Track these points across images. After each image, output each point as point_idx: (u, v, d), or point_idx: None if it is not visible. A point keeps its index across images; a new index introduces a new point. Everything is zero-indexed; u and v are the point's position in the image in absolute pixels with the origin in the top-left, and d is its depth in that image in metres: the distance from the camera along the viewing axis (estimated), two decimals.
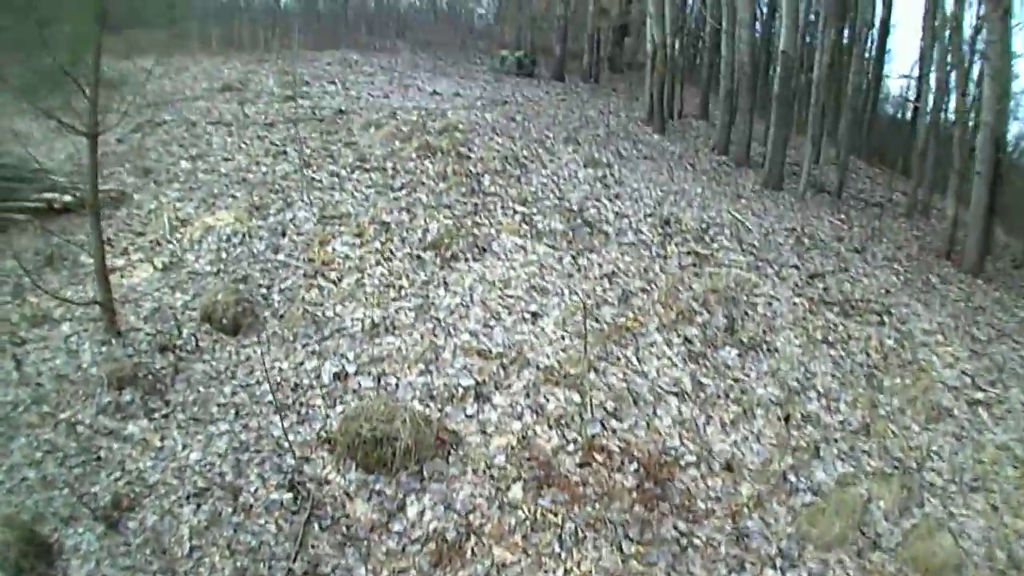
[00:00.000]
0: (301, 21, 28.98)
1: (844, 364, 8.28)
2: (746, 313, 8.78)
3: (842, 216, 13.85)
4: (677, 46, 18.51)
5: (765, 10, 22.21)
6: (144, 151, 13.19)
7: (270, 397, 6.77)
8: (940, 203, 16.48)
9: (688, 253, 10.19)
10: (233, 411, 6.78)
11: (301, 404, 6.82)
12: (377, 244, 9.26)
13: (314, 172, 11.66)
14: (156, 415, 6.71)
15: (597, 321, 8.16)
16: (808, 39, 21.10)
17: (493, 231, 9.99)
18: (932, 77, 16.34)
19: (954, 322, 9.97)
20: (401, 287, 8.42)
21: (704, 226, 11.17)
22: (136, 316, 8.01)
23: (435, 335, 7.64)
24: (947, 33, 15.65)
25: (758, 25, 21.20)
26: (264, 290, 8.38)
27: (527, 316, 8.10)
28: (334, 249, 9.16)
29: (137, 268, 9.09)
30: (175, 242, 9.57)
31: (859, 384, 7.97)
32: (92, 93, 7.09)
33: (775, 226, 11.99)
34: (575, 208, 10.96)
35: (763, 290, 9.40)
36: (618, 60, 26.73)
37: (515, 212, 10.67)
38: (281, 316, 7.94)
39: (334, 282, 8.49)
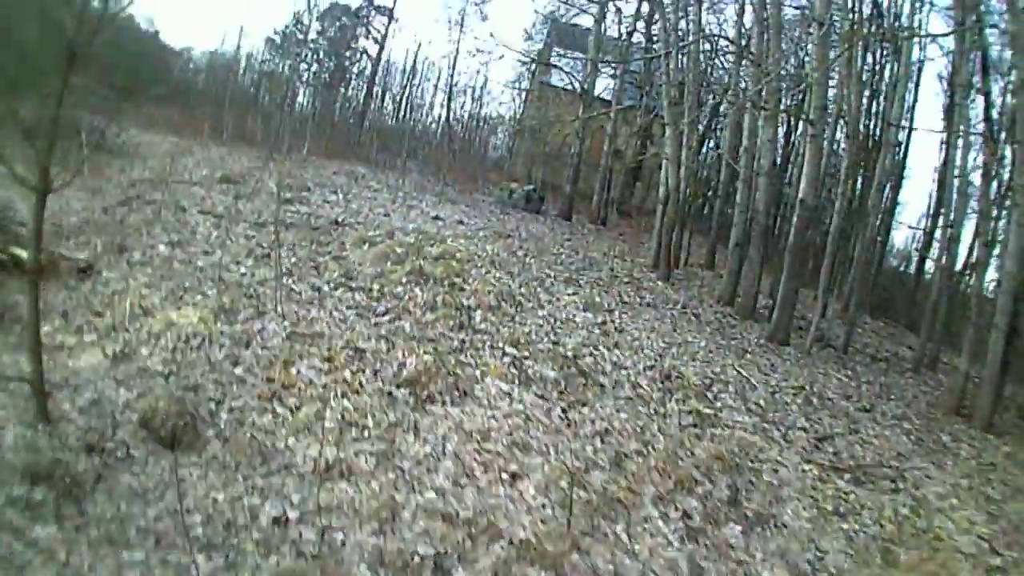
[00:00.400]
0: (315, 126, 29.29)
1: (857, 538, 7.44)
2: (751, 482, 8.00)
3: (848, 372, 13.25)
4: (689, 192, 18.30)
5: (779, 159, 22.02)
6: (126, 227, 12.69)
7: (199, 531, 5.96)
8: (946, 357, 16.08)
9: (690, 412, 9.50)
10: (153, 539, 5.86)
11: (231, 547, 5.90)
12: (347, 373, 8.51)
13: (295, 283, 11.13)
14: (68, 524, 5.78)
15: (585, 489, 7.26)
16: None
17: (478, 373, 9.31)
18: (939, 229, 16.26)
19: (968, 482, 9.22)
20: (365, 427, 7.55)
21: (707, 382, 10.62)
22: (72, 404, 7.20)
23: (396, 488, 6.74)
24: (959, 182, 15.62)
25: None
26: (213, 405, 7.54)
27: (505, 477, 7.22)
28: (299, 372, 8.40)
29: (87, 351, 8.32)
30: (132, 331, 8.81)
31: (874, 561, 7.13)
32: (45, 146, 6.47)
33: (781, 384, 11.39)
34: (570, 355, 10.35)
35: (769, 455, 8.72)
36: (627, 203, 26.88)
37: (504, 354, 10.03)
38: (226, 439, 7.06)
39: (291, 409, 7.66)
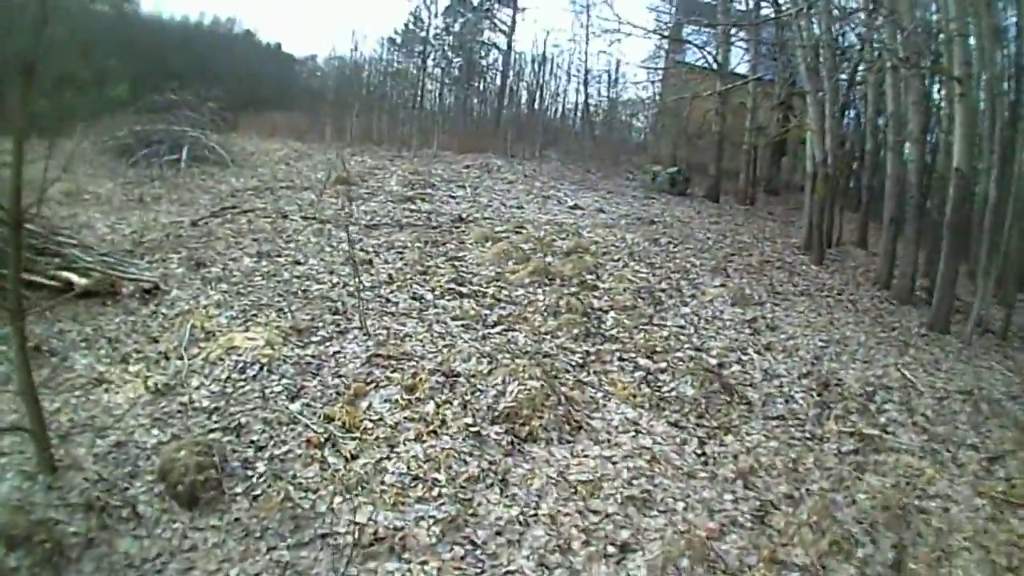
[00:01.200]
0: (447, 121, 28.43)
1: None
2: (918, 535, 5.88)
3: (1010, 363, 10.66)
4: (837, 166, 16.28)
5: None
6: (213, 239, 11.79)
7: None
8: None
9: (851, 433, 7.48)
10: None
11: None
12: (430, 406, 6.79)
13: (394, 291, 9.73)
14: None
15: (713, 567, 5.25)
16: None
17: (599, 396, 7.58)
18: None
19: None
20: (436, 482, 5.76)
21: (869, 389, 8.54)
22: (88, 450, 6.02)
23: (462, 568, 5.04)
24: None
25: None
26: (252, 451, 6.08)
27: (612, 550, 5.30)
28: (369, 406, 6.79)
29: (128, 384, 7.17)
30: (186, 359, 7.57)
31: None
32: (13, 174, 5.09)
33: (948, 386, 9.04)
34: (714, 364, 8.56)
35: (938, 487, 6.63)
36: (774, 181, 25.42)
37: (636, 367, 8.31)
38: (255, 497, 5.53)
39: (347, 458, 6.00)
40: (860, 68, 19.87)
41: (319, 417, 6.66)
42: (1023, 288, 14.90)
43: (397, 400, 6.96)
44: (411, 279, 10.29)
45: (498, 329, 8.90)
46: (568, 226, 14.41)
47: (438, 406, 6.88)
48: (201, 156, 18.21)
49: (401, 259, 11.14)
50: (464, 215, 14.64)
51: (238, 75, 29.71)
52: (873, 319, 11.73)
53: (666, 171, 22.49)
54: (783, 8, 21.25)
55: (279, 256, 11.05)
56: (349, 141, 24.10)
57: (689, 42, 25.93)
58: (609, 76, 36.39)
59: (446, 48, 35.16)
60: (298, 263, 10.75)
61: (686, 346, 9.09)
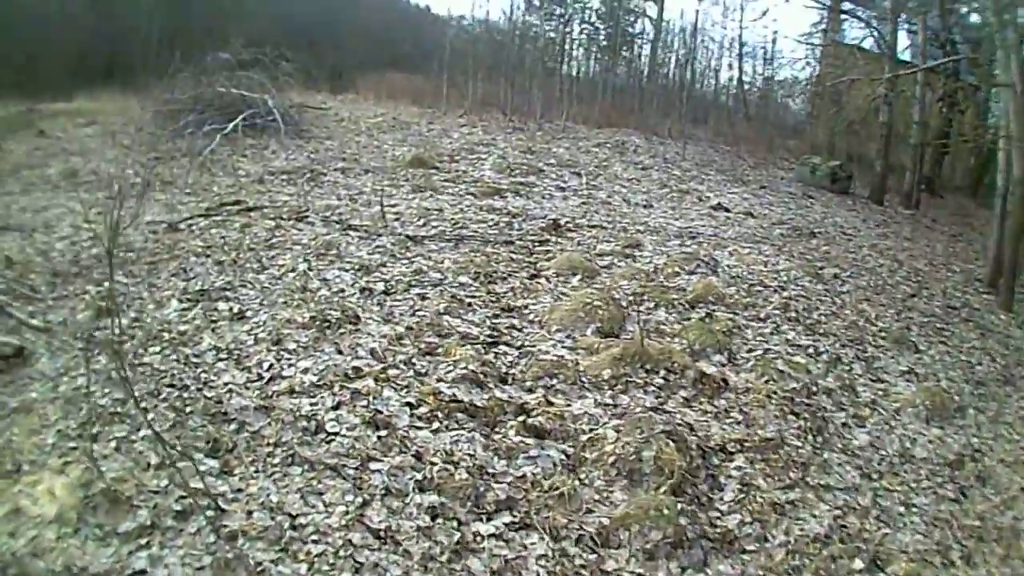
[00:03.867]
0: (582, 91, 23.67)
1: None
2: None
3: None
4: None
5: None
6: (169, 257, 7.90)
7: None
8: None
9: None
10: None
11: None
12: None
13: (346, 399, 5.18)
14: None
15: None
16: None
17: None
18: None
19: None
20: None
21: None
22: None
23: None
24: None
25: None
26: None
27: None
28: None
29: None
30: None
31: None
32: None
33: None
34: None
35: None
36: (936, 182, 20.99)
37: None
38: None
39: None
40: None
41: None
42: None
43: None
44: (396, 367, 5.68)
45: (495, 525, 4.26)
46: (703, 247, 9.63)
47: None
48: (264, 125, 14.25)
49: (412, 314, 6.63)
50: (563, 220, 10.05)
51: (369, 33, 25.89)
52: None
53: (827, 164, 18.14)
54: None
55: (222, 300, 6.77)
56: (468, 109, 19.62)
57: (858, 16, 22.12)
58: (764, 52, 30.71)
59: (591, 13, 30.50)
60: (242, 316, 6.46)
61: (854, 539, 4.62)
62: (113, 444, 4.68)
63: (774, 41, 36.58)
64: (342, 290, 7.00)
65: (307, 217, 9.26)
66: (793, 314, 7.84)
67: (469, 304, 7.01)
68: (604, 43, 30.27)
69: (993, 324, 9.86)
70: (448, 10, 29.60)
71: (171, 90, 14.63)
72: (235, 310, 6.53)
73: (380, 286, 7.17)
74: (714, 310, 7.44)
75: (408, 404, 5.15)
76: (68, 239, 8.48)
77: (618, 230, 9.98)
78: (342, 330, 6.11)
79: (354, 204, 10.14)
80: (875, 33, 20.12)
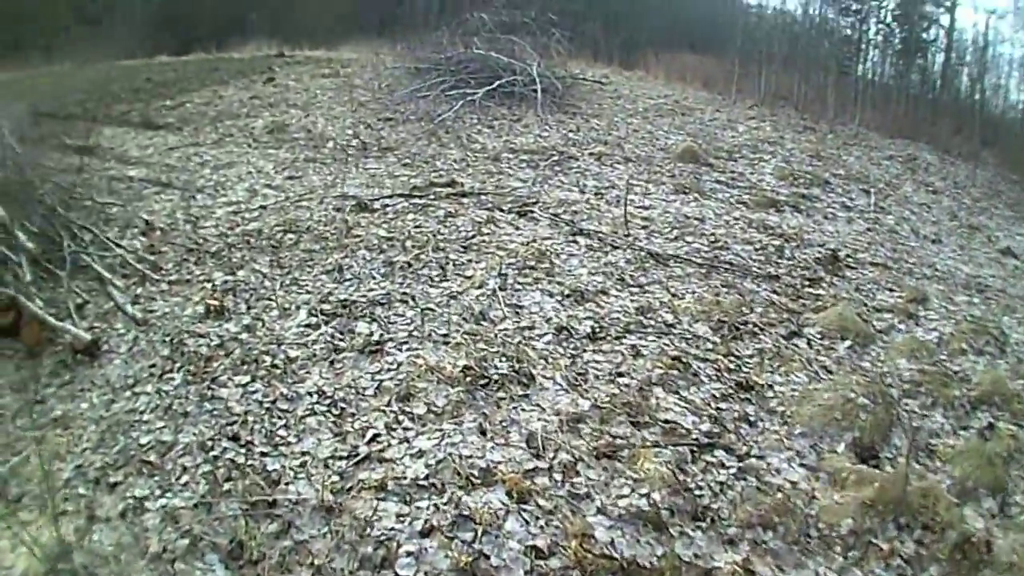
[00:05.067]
0: (878, 95, 20.17)
1: None
2: None
3: None
4: None
5: None
6: (325, 250, 6.34)
7: None
8: None
9: None
10: None
11: None
12: None
13: None
14: None
15: None
16: None
17: None
18: None
19: None
20: None
21: None
22: None
23: None
24: None
25: None
26: None
27: None
28: None
29: None
30: None
31: None
32: None
33: None
34: None
35: None
36: None
37: None
38: None
39: None
40: None
41: None
42: None
43: None
44: (547, 474, 3.78)
45: None
46: (991, 308, 7.10)
47: None
48: (524, 95, 12.57)
49: (612, 380, 4.63)
50: (843, 251, 7.61)
51: (669, 10, 23.78)
52: None
53: None
54: None
55: (364, 319, 5.10)
56: (759, 100, 16.92)
57: None
58: None
59: (887, 13, 26.51)
60: (378, 348, 4.76)
61: None
62: (120, 506, 3.36)
63: None
64: (532, 326, 5.13)
65: (532, 212, 7.45)
66: None
67: (695, 373, 4.86)
68: (899, 46, 26.58)
69: None
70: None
71: (420, 47, 13.34)
72: (374, 338, 4.86)
73: (586, 326, 5.22)
74: (998, 417, 5.01)
75: (534, 550, 3.18)
76: (236, 206, 7.32)
77: (903, 272, 7.55)
78: (502, 394, 4.28)
79: (597, 201, 8.19)
80: None
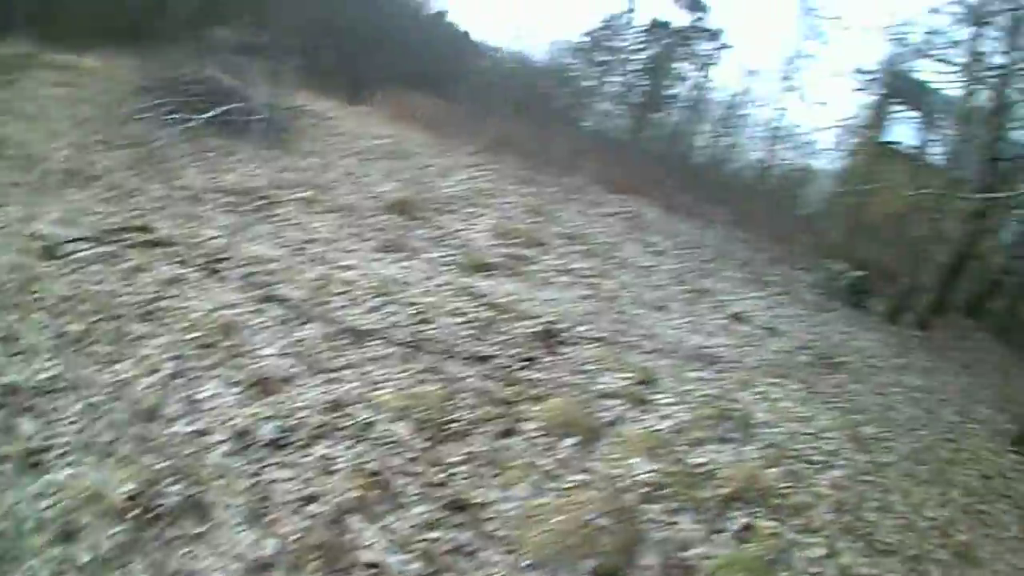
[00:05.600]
0: (605, 147, 21.73)
1: None
2: None
3: None
4: None
5: None
6: None
7: None
8: None
9: None
10: None
11: None
12: None
13: None
14: None
15: None
16: None
17: None
18: None
19: None
20: None
21: None
22: None
23: None
24: None
25: None
26: None
27: None
28: None
29: None
30: None
31: None
32: None
33: None
34: None
35: None
36: (947, 301, 18.11)
37: None
38: None
39: None
40: None
41: None
42: None
43: None
44: None
45: None
46: (726, 383, 7.44)
47: None
48: (242, 125, 11.89)
49: (297, 511, 4.15)
50: (559, 326, 7.65)
51: (407, 48, 23.68)
52: None
53: (850, 273, 16.13)
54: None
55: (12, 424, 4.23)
56: (481, 146, 17.16)
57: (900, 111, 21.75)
58: (796, 137, 29.23)
59: (632, 68, 29.38)
60: None
61: None
62: None
63: (814, 131, 34.57)
64: (208, 430, 4.49)
65: (222, 271, 6.80)
66: (848, 518, 5.63)
67: (399, 493, 4.43)
68: (640, 99, 28.76)
69: None
70: (485, 39, 27.54)
71: (151, 61, 12.33)
72: (34, 444, 4.02)
73: (270, 429, 4.64)
74: (755, 515, 5.13)
75: None
76: None
77: (627, 347, 7.66)
78: (175, 531, 3.72)
79: (295, 259, 7.59)
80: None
